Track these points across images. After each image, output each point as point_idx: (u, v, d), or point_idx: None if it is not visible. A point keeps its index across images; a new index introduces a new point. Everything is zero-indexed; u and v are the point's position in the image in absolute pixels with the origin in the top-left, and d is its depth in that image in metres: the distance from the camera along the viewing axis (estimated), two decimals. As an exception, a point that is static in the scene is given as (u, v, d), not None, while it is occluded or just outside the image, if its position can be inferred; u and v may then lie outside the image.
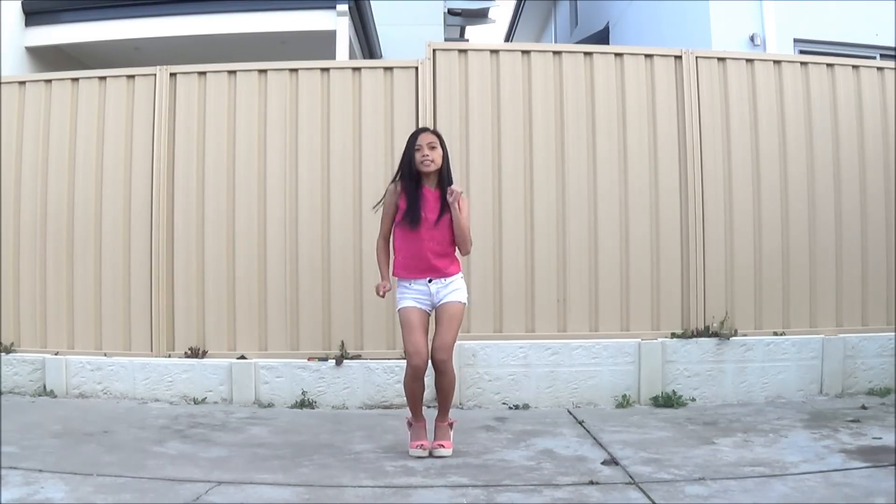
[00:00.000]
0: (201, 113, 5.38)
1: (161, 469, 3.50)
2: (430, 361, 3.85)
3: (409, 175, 3.87)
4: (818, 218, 5.41)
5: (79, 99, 5.47)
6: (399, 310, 3.89)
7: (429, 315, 3.90)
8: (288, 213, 5.29)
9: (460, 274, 3.94)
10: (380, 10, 10.05)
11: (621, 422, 4.57)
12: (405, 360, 3.86)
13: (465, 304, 3.92)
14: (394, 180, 3.96)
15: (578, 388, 5.10)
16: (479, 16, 14.27)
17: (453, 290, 3.86)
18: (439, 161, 3.86)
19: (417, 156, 3.84)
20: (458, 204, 3.80)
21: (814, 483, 3.24)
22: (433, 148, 3.85)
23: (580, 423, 4.56)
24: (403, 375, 3.92)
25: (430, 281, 3.84)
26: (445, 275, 3.85)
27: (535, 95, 5.32)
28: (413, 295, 3.85)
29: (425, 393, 4.04)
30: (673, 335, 5.22)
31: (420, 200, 3.83)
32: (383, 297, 3.96)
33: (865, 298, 5.42)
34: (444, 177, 3.89)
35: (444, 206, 3.84)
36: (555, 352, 5.11)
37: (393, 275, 3.94)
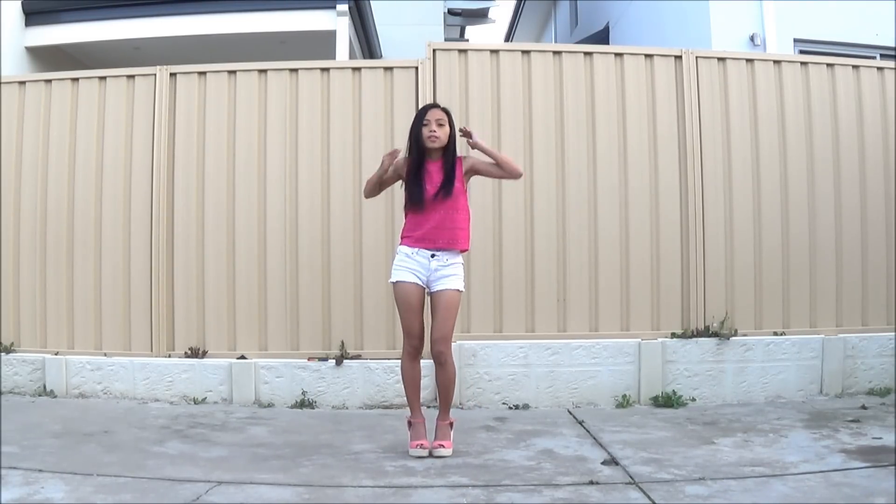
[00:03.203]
0: (201, 113, 5.38)
1: (161, 469, 3.50)
2: (428, 349, 3.86)
3: (416, 150, 3.86)
4: (818, 218, 5.41)
5: (79, 99, 5.47)
6: (394, 283, 3.87)
7: (424, 291, 3.88)
8: (288, 212, 5.29)
9: (461, 259, 3.92)
10: (380, 10, 10.05)
11: (621, 422, 4.57)
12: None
13: (461, 291, 3.89)
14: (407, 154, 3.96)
15: (578, 388, 5.10)
16: (479, 16, 14.27)
17: (451, 273, 3.83)
18: (445, 138, 3.87)
19: (425, 130, 3.85)
20: (476, 140, 3.86)
21: (814, 483, 3.24)
22: (441, 125, 3.86)
23: (580, 423, 4.56)
24: (401, 361, 3.93)
25: (433, 256, 3.82)
26: (451, 246, 3.83)
27: (535, 95, 5.32)
28: (410, 265, 3.83)
29: (426, 393, 4.04)
30: (673, 335, 5.22)
31: (423, 177, 3.84)
32: (390, 157, 3.88)
33: (865, 298, 5.42)
34: (449, 152, 3.90)
35: (447, 178, 3.83)
36: (555, 352, 5.11)
37: (400, 244, 3.92)
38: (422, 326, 3.88)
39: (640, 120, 5.33)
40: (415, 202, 3.84)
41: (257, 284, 5.27)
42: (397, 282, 3.87)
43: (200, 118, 5.38)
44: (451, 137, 3.92)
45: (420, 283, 3.85)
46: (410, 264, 3.85)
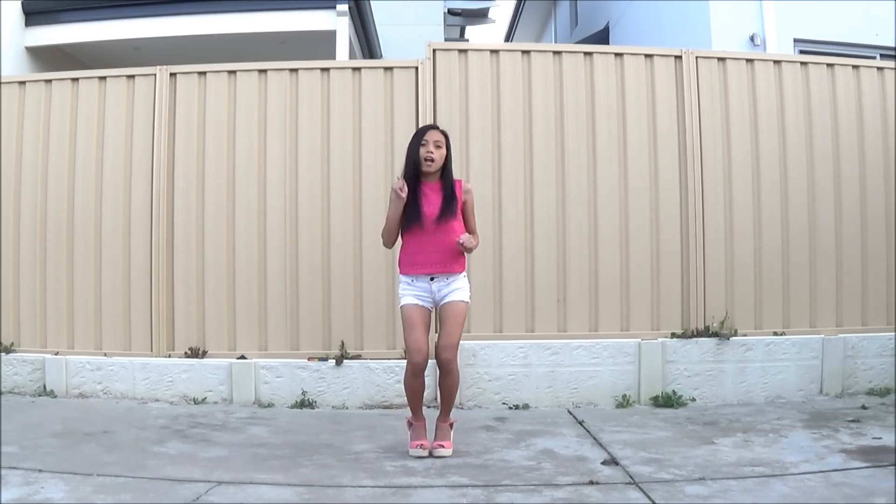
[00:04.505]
0: (201, 113, 5.38)
1: (161, 469, 3.50)
2: (432, 360, 3.86)
3: (412, 171, 3.85)
4: (818, 218, 5.41)
5: (79, 99, 5.47)
6: (400, 307, 3.90)
7: (430, 312, 3.90)
8: (288, 212, 5.29)
9: (464, 273, 3.93)
10: (380, 10, 10.05)
11: (621, 422, 4.57)
12: (406, 359, 3.87)
13: (468, 302, 3.91)
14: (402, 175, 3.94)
15: (578, 388, 5.10)
16: (479, 16, 14.28)
17: (455, 288, 3.86)
18: (441, 162, 3.86)
19: (422, 151, 3.83)
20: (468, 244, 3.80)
21: (814, 483, 3.24)
22: (438, 147, 3.85)
23: (580, 423, 4.56)
24: (404, 373, 3.92)
25: (431, 279, 3.84)
26: (449, 271, 3.85)
27: (535, 95, 5.32)
28: (414, 292, 3.85)
29: (426, 393, 4.04)
30: (673, 335, 5.22)
31: (420, 198, 3.83)
32: (401, 189, 3.76)
33: (865, 298, 5.42)
34: (446, 174, 3.90)
35: (446, 201, 3.83)
36: (555, 352, 5.10)
37: (400, 272, 3.93)
38: (427, 345, 3.85)
39: (640, 120, 5.33)
40: (412, 224, 3.82)
41: (257, 284, 5.27)
42: (404, 305, 3.86)
43: (200, 118, 5.38)
44: (448, 160, 3.91)
45: (426, 305, 3.86)
46: (414, 291, 3.86)
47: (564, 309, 5.22)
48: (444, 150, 3.87)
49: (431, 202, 3.83)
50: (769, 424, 4.42)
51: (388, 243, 4.00)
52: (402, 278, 3.90)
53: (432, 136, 3.86)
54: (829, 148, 5.46)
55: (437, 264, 3.82)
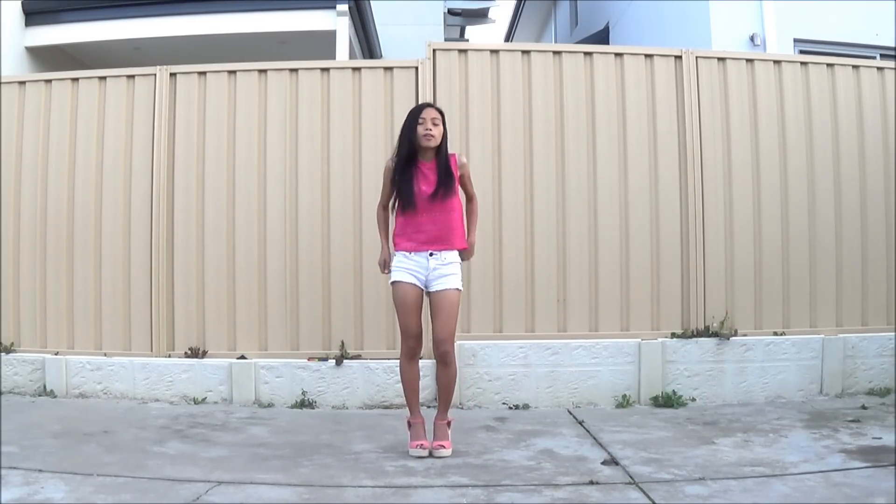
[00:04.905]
0: (201, 113, 5.38)
1: (161, 469, 3.50)
2: (428, 348, 3.85)
3: (408, 149, 3.84)
4: (818, 218, 5.41)
5: (79, 99, 5.47)
6: (392, 283, 3.89)
7: (422, 292, 3.88)
8: (288, 212, 5.29)
9: (458, 257, 3.91)
10: (380, 10, 10.06)
11: (621, 422, 4.57)
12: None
13: (460, 290, 3.89)
14: (394, 155, 3.96)
15: (578, 388, 5.10)
16: (479, 16, 14.29)
17: (449, 273, 3.84)
18: (440, 138, 3.87)
19: (420, 129, 3.83)
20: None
21: (814, 483, 3.24)
22: (436, 125, 3.85)
23: (580, 423, 4.56)
24: (399, 362, 3.93)
25: (430, 255, 3.83)
26: (448, 246, 3.84)
27: (535, 95, 5.32)
28: (408, 266, 3.84)
29: (426, 393, 4.04)
30: (673, 335, 5.22)
31: (415, 177, 3.84)
32: (387, 272, 3.95)
33: (865, 298, 5.42)
34: (442, 152, 3.90)
35: (441, 178, 3.83)
36: (555, 352, 5.11)
37: (395, 249, 3.93)
38: (419, 327, 3.88)
39: (640, 120, 5.33)
40: (407, 202, 3.83)
41: (257, 284, 5.27)
42: (395, 282, 3.88)
43: (200, 118, 5.38)
44: (444, 137, 3.92)
45: (418, 283, 3.86)
46: (408, 265, 3.86)
47: (564, 309, 5.22)
48: (441, 128, 3.88)
49: (429, 180, 3.84)
50: (769, 424, 4.42)
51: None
52: (398, 254, 3.89)
53: (429, 113, 3.87)
54: (829, 148, 5.46)
55: (437, 241, 3.83)
